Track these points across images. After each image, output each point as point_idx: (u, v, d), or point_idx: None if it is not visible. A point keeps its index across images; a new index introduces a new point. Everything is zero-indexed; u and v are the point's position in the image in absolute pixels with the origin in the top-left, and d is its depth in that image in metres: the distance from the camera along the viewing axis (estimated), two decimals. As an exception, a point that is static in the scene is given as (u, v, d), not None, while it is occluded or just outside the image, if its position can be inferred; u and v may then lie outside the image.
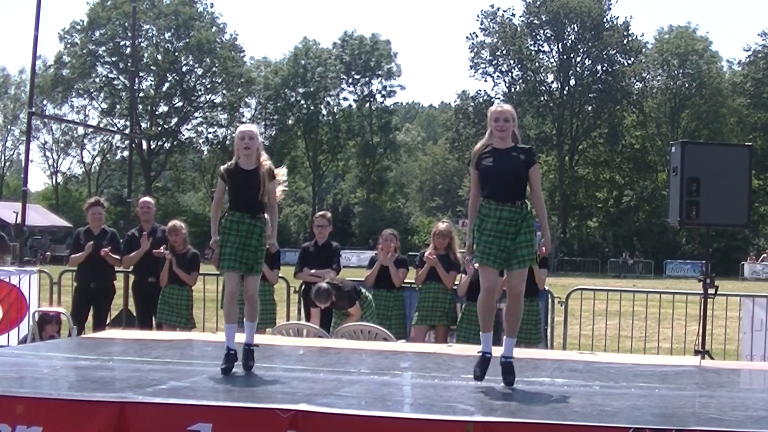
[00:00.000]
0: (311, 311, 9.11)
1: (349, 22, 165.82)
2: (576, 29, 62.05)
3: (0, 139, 72.70)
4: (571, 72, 62.76)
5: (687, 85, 61.38)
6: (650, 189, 61.24)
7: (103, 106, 65.08)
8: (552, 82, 63.99)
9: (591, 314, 10.81)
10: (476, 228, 5.90)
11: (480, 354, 5.95)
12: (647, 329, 11.20)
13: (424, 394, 5.59)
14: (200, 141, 66.89)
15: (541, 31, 63.04)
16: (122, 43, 62.27)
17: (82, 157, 69.27)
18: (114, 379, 6.05)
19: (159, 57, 63.85)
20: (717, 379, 6.49)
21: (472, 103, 63.51)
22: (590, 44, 61.32)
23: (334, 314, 8.95)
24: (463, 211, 57.70)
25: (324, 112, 67.74)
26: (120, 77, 63.77)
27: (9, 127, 71.59)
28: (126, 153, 59.17)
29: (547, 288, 9.71)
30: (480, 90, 64.60)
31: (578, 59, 62.96)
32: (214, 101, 65.84)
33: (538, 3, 61.94)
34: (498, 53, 63.02)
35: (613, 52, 61.84)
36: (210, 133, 66.41)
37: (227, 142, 63.89)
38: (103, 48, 63.92)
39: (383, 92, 68.10)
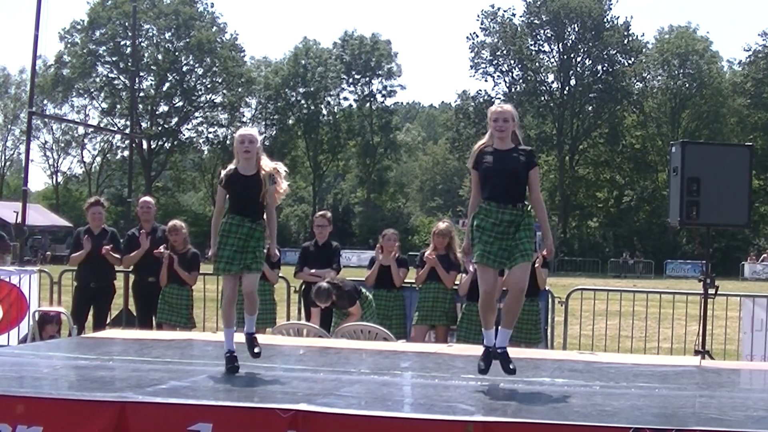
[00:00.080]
0: (311, 311, 9.12)
1: (349, 22, 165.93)
2: (576, 29, 62.05)
3: (0, 138, 72.86)
4: (571, 72, 62.77)
5: (687, 85, 61.38)
6: (650, 189, 61.24)
7: (104, 105, 65.19)
8: (552, 82, 64.04)
9: (591, 314, 10.81)
10: (475, 227, 5.88)
11: (483, 348, 5.94)
12: (647, 329, 11.20)
13: (425, 394, 5.58)
14: (200, 141, 66.98)
15: (542, 31, 63.05)
16: (122, 42, 62.29)
17: (83, 157, 69.45)
18: (114, 378, 6.05)
19: (159, 57, 63.87)
20: (717, 379, 6.49)
21: (473, 103, 63.51)
22: (591, 44, 61.32)
23: (335, 314, 8.95)
24: (464, 210, 57.64)
25: (324, 111, 67.76)
26: (120, 77, 63.80)
27: (9, 126, 71.77)
28: (126, 153, 59.25)
29: (547, 288, 9.71)
30: (480, 90, 64.73)
31: (579, 59, 62.97)
32: (215, 101, 65.87)
33: (539, 3, 61.94)
34: (498, 53, 63.02)
35: (614, 52, 61.85)
36: (210, 132, 66.51)
37: (227, 141, 63.90)
38: (104, 48, 63.94)
39: (383, 92, 68.23)
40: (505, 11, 63.80)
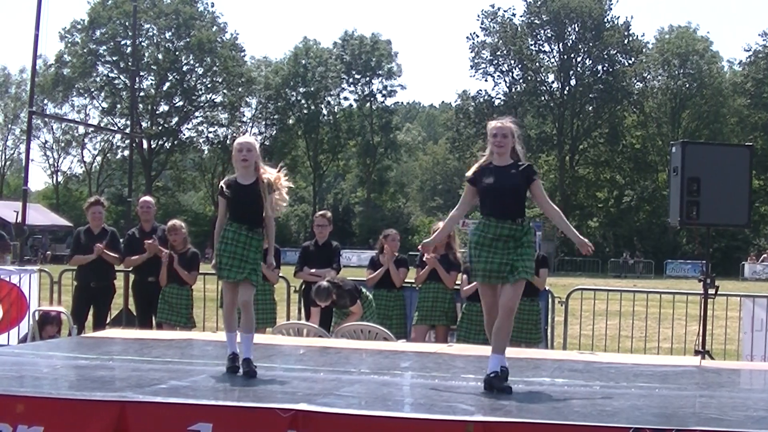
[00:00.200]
0: (311, 310, 9.11)
1: (349, 21, 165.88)
2: (577, 29, 62.03)
3: (1, 138, 72.85)
4: (571, 72, 62.74)
5: (687, 85, 61.37)
6: (651, 189, 61.23)
7: (104, 105, 65.15)
8: (552, 82, 64.00)
9: (591, 314, 10.81)
10: (474, 245, 5.86)
11: (488, 372, 5.73)
12: (647, 329, 11.20)
13: (425, 394, 5.58)
14: (201, 140, 66.90)
15: (542, 31, 63.01)
16: (123, 42, 62.27)
17: (83, 157, 69.43)
18: (114, 378, 6.05)
19: (160, 56, 63.85)
20: (717, 379, 6.49)
21: (473, 103, 63.50)
22: (591, 44, 61.30)
23: (335, 314, 8.95)
24: (464, 211, 57.73)
25: (324, 111, 67.74)
26: (121, 76, 63.79)
27: (10, 126, 71.72)
28: (126, 152, 59.22)
29: (547, 288, 9.71)
30: (480, 90, 64.65)
31: (579, 59, 62.94)
32: (215, 101, 65.84)
33: (539, 3, 61.91)
34: (498, 53, 62.99)
35: (614, 52, 61.82)
36: (210, 132, 66.44)
37: (228, 141, 63.94)
38: (104, 47, 63.93)
39: (384, 92, 68.19)
40: (505, 11, 63.82)
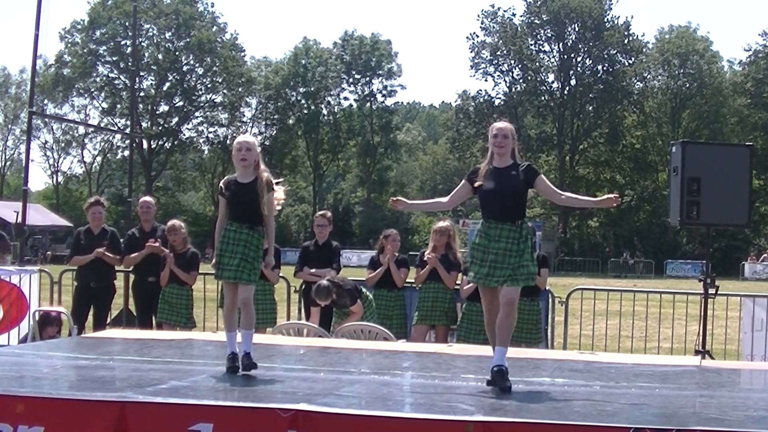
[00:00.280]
0: (311, 310, 9.10)
1: (349, 21, 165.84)
2: (577, 29, 62.04)
3: (1, 138, 72.86)
4: (571, 72, 62.75)
5: (688, 85, 61.37)
6: (651, 189, 61.23)
7: (104, 105, 65.15)
8: (553, 81, 64.02)
9: (591, 314, 10.81)
10: (474, 247, 5.90)
11: (492, 367, 5.79)
12: (648, 329, 11.20)
13: (425, 394, 5.58)
14: (201, 140, 66.90)
15: (542, 31, 63.03)
16: (123, 42, 62.26)
17: (83, 157, 69.41)
18: (114, 378, 6.05)
19: (160, 56, 63.85)
20: (717, 379, 6.49)
21: (473, 103, 63.51)
22: (591, 44, 61.31)
23: (335, 314, 8.94)
24: (464, 210, 57.77)
25: (324, 111, 67.73)
26: (121, 77, 63.78)
27: (10, 126, 71.73)
28: (126, 152, 59.24)
29: (547, 288, 9.71)
30: (481, 90, 64.68)
31: (579, 59, 62.95)
32: (215, 101, 65.84)
33: (539, 3, 61.92)
34: (498, 53, 63.00)
35: (614, 52, 61.84)
36: (210, 132, 66.44)
37: (228, 141, 63.93)
38: (104, 47, 63.92)
39: (384, 92, 68.16)
40: (505, 11, 63.88)
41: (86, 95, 65.29)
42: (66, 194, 69.38)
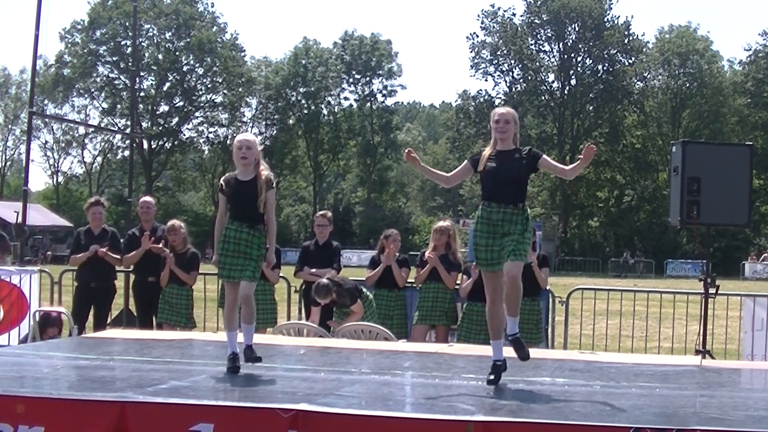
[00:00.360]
0: (311, 309, 9.09)
1: (349, 21, 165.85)
2: (577, 29, 62.05)
3: (1, 138, 72.86)
4: (571, 71, 62.75)
5: (688, 85, 61.38)
6: (651, 188, 61.24)
7: (104, 105, 65.16)
8: (553, 81, 64.03)
9: (592, 314, 10.81)
10: (477, 233, 5.91)
11: (492, 361, 5.88)
12: (648, 329, 11.20)
13: (425, 394, 5.59)
14: (201, 140, 66.94)
15: (542, 31, 63.03)
16: (123, 42, 62.27)
17: (83, 157, 69.42)
18: (115, 378, 6.05)
19: (160, 56, 63.86)
20: (718, 378, 6.49)
21: (473, 103, 63.50)
22: (591, 44, 61.32)
23: (335, 314, 8.94)
24: (464, 210, 57.82)
25: (325, 111, 67.75)
26: (121, 77, 63.79)
27: (10, 126, 71.73)
28: (127, 152, 59.27)
29: (548, 288, 9.71)
30: (481, 90, 64.72)
31: (579, 59, 62.96)
32: (215, 101, 65.85)
33: (539, 2, 61.92)
34: (499, 53, 63.02)
35: (614, 52, 61.84)
36: (211, 132, 66.47)
37: (228, 141, 63.91)
38: (104, 47, 63.93)
39: (384, 92, 68.19)
40: (505, 11, 63.90)
41: (86, 95, 65.33)
42: (66, 194, 69.40)
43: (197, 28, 63.83)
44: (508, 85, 63.75)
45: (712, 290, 9.95)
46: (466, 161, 6.14)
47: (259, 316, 8.02)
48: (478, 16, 66.87)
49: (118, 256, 10.00)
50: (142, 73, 60.57)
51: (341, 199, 74.88)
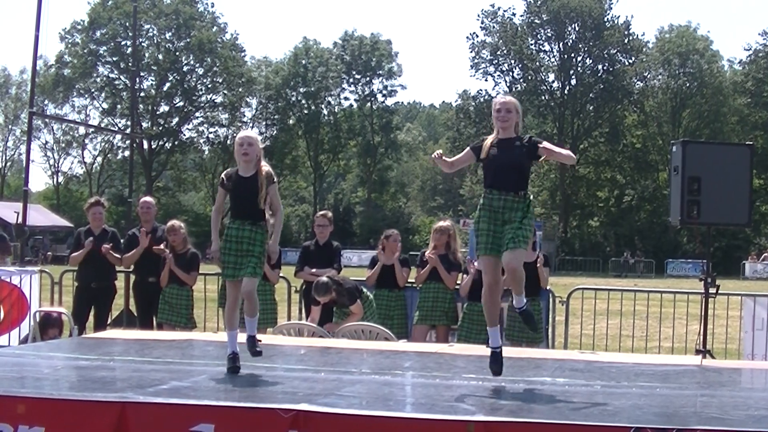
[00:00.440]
0: (312, 308, 9.09)
1: (349, 21, 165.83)
2: (577, 29, 62.05)
3: (1, 139, 72.85)
4: (571, 71, 62.76)
5: (688, 85, 61.39)
6: (651, 188, 61.25)
7: (104, 105, 65.18)
8: (553, 81, 64.04)
9: (592, 314, 10.80)
10: (479, 219, 5.91)
11: (491, 351, 5.91)
12: (648, 329, 11.20)
13: (426, 394, 5.58)
14: (201, 141, 66.97)
15: (542, 31, 63.04)
16: (123, 42, 62.28)
17: (83, 157, 69.42)
18: (115, 379, 6.05)
19: (160, 57, 63.87)
20: (718, 378, 6.49)
21: (473, 103, 63.53)
22: (591, 44, 61.32)
23: (335, 314, 8.94)
24: (465, 210, 57.79)
25: (325, 111, 67.77)
26: (121, 77, 63.81)
27: (10, 127, 71.72)
28: (127, 153, 59.28)
29: (548, 287, 9.71)
30: (481, 89, 64.76)
31: (579, 59, 62.97)
32: (215, 101, 65.87)
33: (539, 2, 61.93)
34: (499, 53, 63.04)
35: (614, 52, 61.84)
36: (211, 132, 66.51)
37: (228, 141, 63.95)
38: (104, 48, 63.95)
39: (384, 92, 68.21)
40: (505, 11, 63.93)
41: (86, 95, 65.35)
42: (66, 195, 69.40)
43: (197, 28, 63.84)
44: (508, 85, 63.79)
45: (712, 290, 9.94)
46: (467, 149, 6.13)
47: (259, 316, 8.01)
48: (478, 16, 66.99)
49: (119, 256, 10.01)
50: (142, 74, 60.59)
51: (341, 199, 74.90)
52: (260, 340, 6.38)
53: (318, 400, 5.03)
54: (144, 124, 61.23)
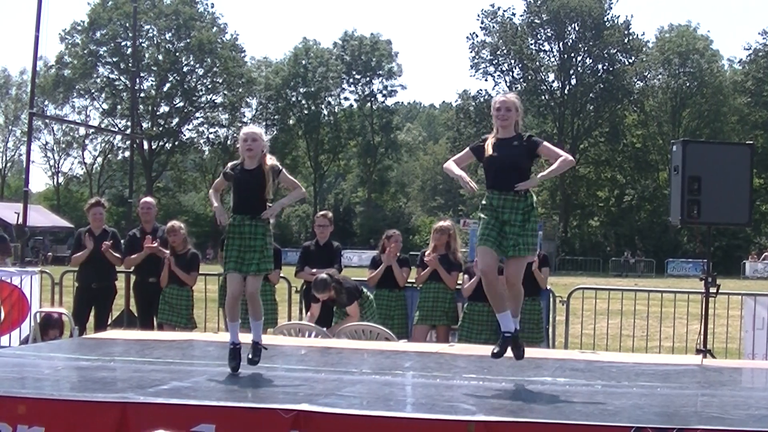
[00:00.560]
0: (311, 305, 9.08)
1: (349, 22, 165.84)
2: (577, 28, 62.04)
3: (1, 139, 72.84)
4: (571, 71, 62.75)
5: (688, 84, 61.37)
6: (651, 188, 61.23)
7: (104, 106, 65.18)
8: (553, 81, 64.03)
9: (593, 313, 10.81)
10: (480, 218, 5.92)
11: (502, 336, 5.90)
12: (649, 328, 11.21)
13: (426, 394, 5.59)
14: (201, 141, 67.00)
15: (542, 31, 63.04)
16: (123, 43, 62.29)
17: (84, 158, 69.41)
18: (116, 379, 6.05)
19: (160, 57, 63.88)
20: (719, 377, 6.49)
21: (473, 103, 63.51)
22: (591, 43, 61.30)
23: (335, 314, 8.94)
24: (465, 210, 57.78)
25: (325, 112, 67.77)
26: (121, 77, 63.82)
27: (10, 127, 71.71)
28: (127, 153, 59.29)
29: (548, 287, 9.71)
30: (481, 89, 64.72)
31: (579, 58, 62.94)
32: (215, 101, 65.88)
33: (539, 2, 61.92)
34: (499, 53, 63.03)
35: (614, 51, 61.82)
36: (211, 133, 66.55)
37: (228, 142, 64.03)
38: (104, 48, 63.96)
39: (384, 92, 68.21)
40: (505, 11, 63.89)
41: (87, 96, 65.35)
42: (67, 195, 69.39)
43: (197, 28, 63.85)
44: (508, 84, 63.72)
45: (712, 289, 9.94)
46: (467, 149, 6.14)
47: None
48: (478, 16, 66.98)
49: (119, 256, 10.00)
50: (142, 74, 60.59)
51: (342, 199, 74.90)
52: (266, 348, 6.35)
53: (319, 400, 5.03)
54: (144, 125, 61.23)
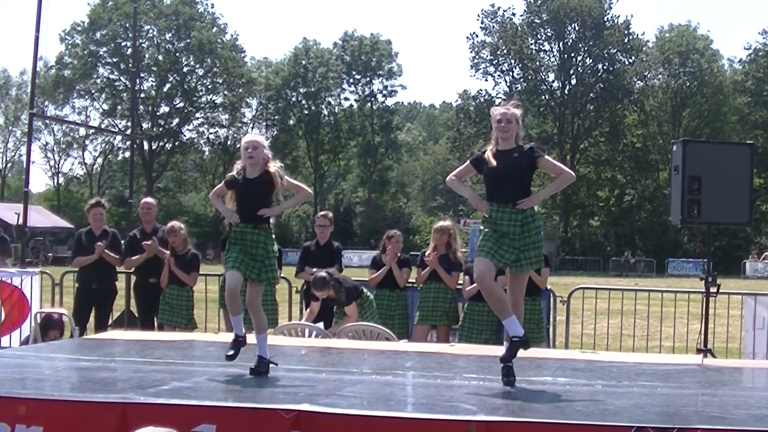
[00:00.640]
0: (311, 303, 9.07)
1: (349, 22, 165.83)
2: (577, 28, 62.06)
3: (1, 140, 72.84)
4: (572, 71, 62.77)
5: (688, 84, 61.39)
6: (652, 188, 61.23)
7: (105, 106, 65.20)
8: (553, 81, 64.05)
9: (593, 313, 10.81)
10: (482, 230, 5.91)
11: (511, 341, 5.86)
12: (649, 328, 11.22)
13: (427, 394, 5.58)
14: (201, 141, 67.02)
15: (542, 30, 63.05)
16: (123, 43, 62.30)
17: (84, 158, 69.43)
18: (116, 379, 6.04)
19: (160, 57, 63.89)
20: (719, 377, 6.49)
21: (473, 103, 63.51)
22: (591, 43, 61.32)
23: (335, 314, 8.94)
24: (465, 210, 57.75)
25: (325, 112, 67.78)
26: (121, 78, 63.84)
27: (10, 128, 71.70)
28: (127, 154, 59.24)
29: (549, 287, 9.72)
30: (481, 89, 64.77)
31: (579, 58, 62.97)
32: (215, 102, 65.90)
33: (539, 2, 61.94)
34: (499, 52, 63.05)
35: (614, 51, 61.85)
36: (211, 133, 66.59)
37: (228, 142, 64.06)
38: (104, 49, 63.97)
39: (384, 92, 68.23)
40: (505, 11, 63.94)
41: (87, 97, 65.37)
42: (67, 196, 69.39)
43: (197, 29, 63.86)
44: (508, 84, 63.81)
45: (713, 289, 9.94)
46: (467, 163, 6.10)
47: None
48: (478, 16, 67.00)
49: (118, 257, 10.00)
50: (142, 74, 60.61)
51: (342, 199, 74.89)
52: (276, 364, 6.18)
53: (319, 400, 5.03)
54: (144, 125, 61.24)
